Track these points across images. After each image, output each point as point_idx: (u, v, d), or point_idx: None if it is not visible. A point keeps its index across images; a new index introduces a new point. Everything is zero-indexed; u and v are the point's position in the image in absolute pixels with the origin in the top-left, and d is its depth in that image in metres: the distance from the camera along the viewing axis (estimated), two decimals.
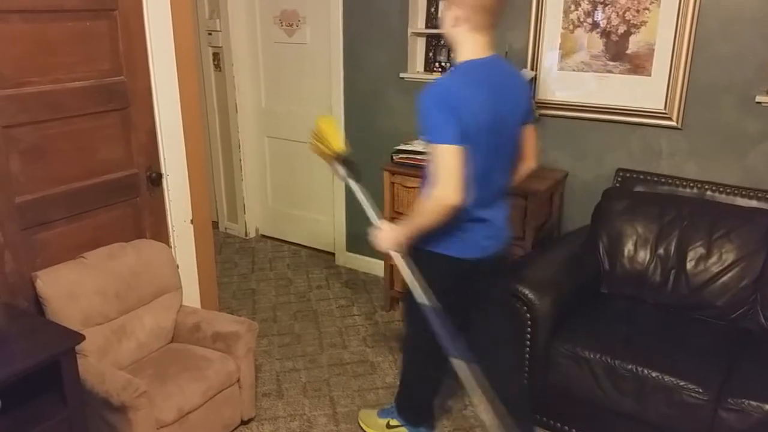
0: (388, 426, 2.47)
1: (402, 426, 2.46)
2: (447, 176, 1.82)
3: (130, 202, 2.44)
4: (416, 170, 3.09)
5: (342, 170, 2.21)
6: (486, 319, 2.22)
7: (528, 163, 2.20)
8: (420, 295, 2.00)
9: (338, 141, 2.21)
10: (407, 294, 2.14)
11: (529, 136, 2.14)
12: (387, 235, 2.04)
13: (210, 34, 4.16)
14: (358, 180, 2.19)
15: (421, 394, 2.42)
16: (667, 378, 2.11)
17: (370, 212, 2.12)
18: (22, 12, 1.99)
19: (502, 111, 1.93)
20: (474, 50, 1.92)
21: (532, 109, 2.12)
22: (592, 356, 2.25)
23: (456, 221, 1.94)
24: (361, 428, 2.55)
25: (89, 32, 2.20)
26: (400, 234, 2.00)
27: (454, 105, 1.82)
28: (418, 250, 2.05)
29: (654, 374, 2.12)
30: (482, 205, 2.00)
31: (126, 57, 2.32)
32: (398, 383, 2.49)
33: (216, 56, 4.22)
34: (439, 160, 1.83)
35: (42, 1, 2.04)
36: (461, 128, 1.82)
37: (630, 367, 2.17)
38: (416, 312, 2.05)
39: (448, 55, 3.44)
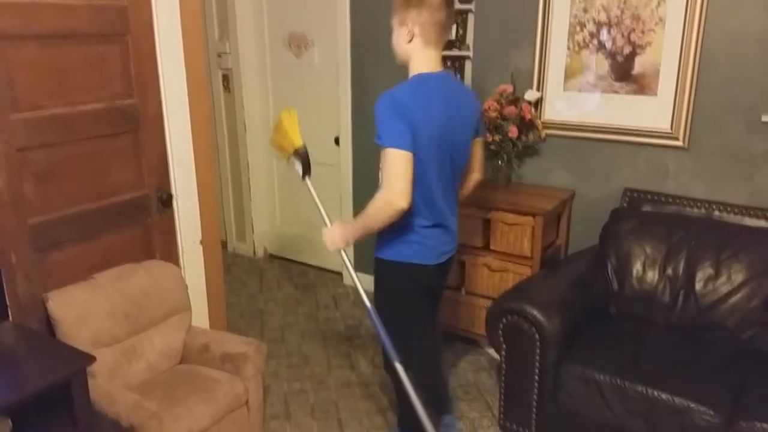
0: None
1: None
2: (396, 180, 1.91)
3: (140, 223, 2.46)
4: None
5: (299, 167, 2.26)
6: (433, 318, 2.38)
7: (475, 175, 2.32)
8: (364, 295, 2.11)
9: (298, 135, 2.26)
10: (388, 317, 2.15)
11: (477, 149, 2.27)
12: (337, 233, 2.10)
13: (220, 56, 4.22)
14: (310, 175, 2.25)
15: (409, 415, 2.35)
16: (677, 400, 2.09)
17: (322, 212, 2.20)
18: (37, 38, 2.04)
19: (454, 123, 2.04)
20: (427, 64, 2.03)
21: (481, 124, 2.27)
22: (601, 377, 2.24)
23: (417, 228, 2.07)
24: None
25: (101, 56, 2.24)
26: (349, 234, 2.08)
27: (407, 114, 1.92)
28: (383, 260, 2.14)
29: (664, 396, 2.11)
30: (440, 213, 2.10)
31: (137, 80, 2.36)
32: (398, 408, 2.45)
33: (225, 78, 4.28)
34: (389, 164, 1.92)
35: (56, 27, 2.08)
36: (414, 136, 1.92)
37: (640, 388, 2.16)
38: (402, 332, 2.13)
39: (454, 76, 3.46)
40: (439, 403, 2.44)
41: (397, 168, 1.91)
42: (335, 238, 2.11)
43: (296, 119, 2.30)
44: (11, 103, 2.00)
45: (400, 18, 2.02)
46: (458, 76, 3.46)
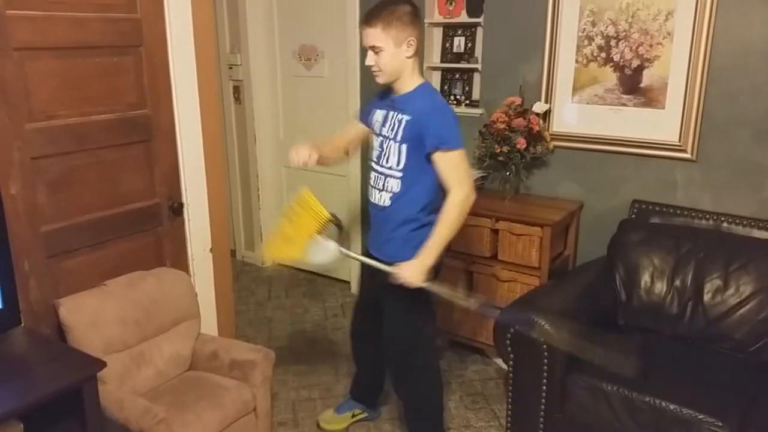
0: (353, 416, 2.74)
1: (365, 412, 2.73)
2: (468, 177, 2.11)
3: (151, 231, 2.49)
4: None
5: (334, 244, 2.23)
6: None
7: None
8: (466, 299, 2.28)
9: (321, 208, 2.24)
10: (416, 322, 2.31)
11: None
12: (413, 271, 2.11)
13: (231, 68, 4.27)
14: (347, 243, 2.26)
15: (441, 411, 2.52)
16: (685, 411, 2.09)
17: (380, 266, 2.20)
18: (52, 49, 2.08)
19: None
20: (420, 73, 2.21)
21: None
22: (609, 388, 2.23)
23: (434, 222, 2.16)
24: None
25: (115, 67, 2.28)
26: (426, 262, 2.11)
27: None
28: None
29: (672, 407, 2.11)
30: None
31: (150, 91, 2.39)
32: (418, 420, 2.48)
33: (236, 89, 4.33)
34: (460, 163, 2.09)
35: (71, 39, 2.12)
36: None
37: (648, 399, 2.15)
38: (428, 335, 2.32)
39: (463, 89, 3.50)
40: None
41: (465, 165, 2.11)
42: (417, 275, 2.10)
43: (313, 198, 2.27)
44: (27, 112, 2.03)
45: (406, 35, 2.10)
46: (467, 88, 3.50)
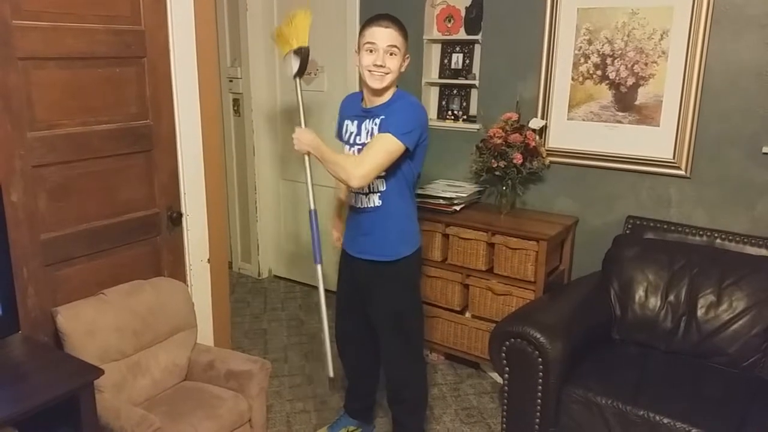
0: None
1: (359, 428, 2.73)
2: (375, 167, 2.12)
3: (150, 241, 2.50)
4: (429, 213, 3.15)
5: (296, 64, 2.40)
6: None
7: None
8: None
9: (306, 36, 2.38)
10: (407, 302, 2.42)
11: None
12: (307, 137, 2.23)
13: (231, 81, 4.31)
14: (301, 77, 2.43)
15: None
16: (678, 425, 2.10)
17: (302, 115, 2.41)
18: (56, 59, 2.10)
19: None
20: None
21: None
22: (603, 402, 2.25)
23: (413, 218, 2.37)
24: None
25: (118, 78, 2.30)
26: (315, 148, 2.20)
27: (425, 123, 2.24)
28: (408, 257, 2.33)
29: (666, 421, 2.12)
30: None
31: (152, 102, 2.42)
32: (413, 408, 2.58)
33: (236, 102, 4.36)
34: (384, 151, 2.12)
35: (76, 49, 2.15)
36: (419, 142, 2.21)
37: (641, 413, 2.17)
38: (420, 316, 2.49)
39: (460, 104, 3.54)
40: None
41: (385, 159, 2.13)
42: (303, 141, 2.23)
43: (309, 22, 2.40)
44: (29, 121, 2.05)
45: (405, 48, 2.24)
46: (464, 104, 3.54)
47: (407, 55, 2.26)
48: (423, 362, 2.63)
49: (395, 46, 2.17)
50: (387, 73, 2.19)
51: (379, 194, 2.30)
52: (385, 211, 2.31)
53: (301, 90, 2.44)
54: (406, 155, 2.20)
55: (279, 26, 2.50)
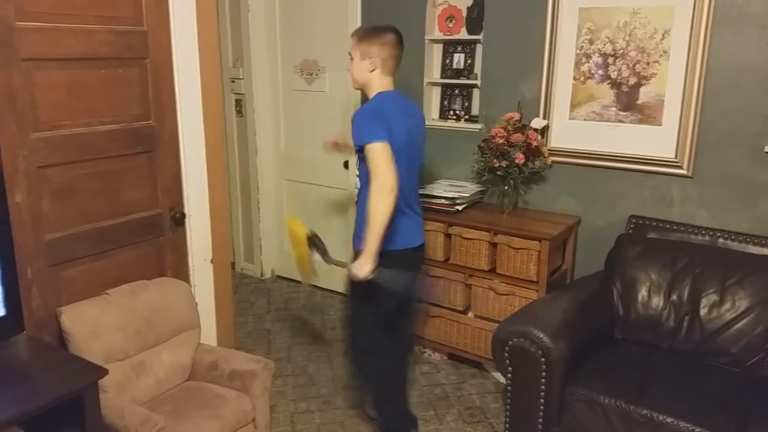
0: None
1: None
2: (385, 164, 2.22)
3: (153, 241, 2.51)
4: (431, 213, 3.16)
5: (318, 255, 2.51)
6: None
7: None
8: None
9: (301, 233, 2.51)
10: (352, 302, 2.53)
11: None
12: (362, 265, 2.29)
13: (233, 81, 4.32)
14: (327, 256, 2.50)
15: (397, 398, 2.67)
16: (682, 424, 2.10)
17: (345, 265, 2.40)
18: (60, 60, 2.11)
19: (412, 132, 2.43)
20: (380, 85, 2.43)
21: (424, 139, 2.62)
22: (606, 401, 2.25)
23: (399, 218, 2.37)
24: None
25: (121, 79, 2.31)
26: (370, 255, 2.27)
27: (385, 116, 2.30)
28: (386, 253, 2.33)
29: (669, 420, 2.12)
30: (411, 203, 2.49)
31: (155, 103, 2.43)
32: (374, 402, 2.70)
33: (238, 103, 4.37)
34: (376, 154, 2.23)
35: (79, 50, 2.16)
36: (389, 136, 2.26)
37: (644, 412, 2.17)
38: (364, 316, 2.50)
39: (462, 104, 3.54)
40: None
41: (383, 156, 2.23)
42: (365, 268, 2.29)
43: (296, 224, 2.59)
44: (33, 122, 2.06)
45: (363, 51, 2.40)
46: (466, 104, 3.54)
47: (370, 59, 2.39)
48: (374, 356, 2.59)
49: (350, 53, 2.44)
50: (350, 74, 2.46)
51: (357, 189, 2.49)
52: (360, 204, 2.44)
53: (334, 261, 2.49)
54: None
55: (294, 256, 2.66)
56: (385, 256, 2.32)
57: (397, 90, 2.48)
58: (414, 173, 2.52)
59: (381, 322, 2.51)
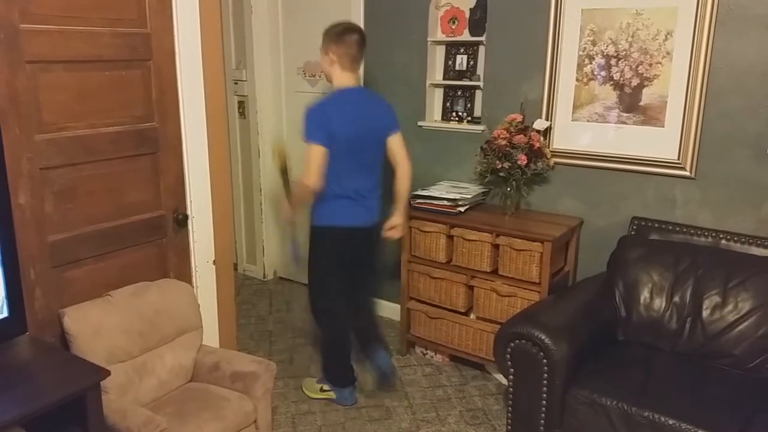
0: (321, 390, 3.05)
1: (330, 390, 3.04)
2: (311, 167, 2.64)
3: (156, 243, 2.51)
4: (433, 215, 3.16)
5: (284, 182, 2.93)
6: (362, 273, 3.01)
7: (401, 168, 2.91)
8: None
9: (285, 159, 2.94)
10: (310, 270, 2.94)
11: (397, 144, 2.88)
12: (285, 207, 2.89)
13: (236, 83, 4.33)
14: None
15: (338, 356, 3.00)
16: (684, 426, 2.10)
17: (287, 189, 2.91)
18: (64, 62, 2.12)
19: (366, 124, 2.74)
20: (344, 82, 2.76)
21: (396, 123, 2.89)
22: (608, 403, 2.25)
23: (340, 199, 2.76)
24: (304, 393, 3.10)
25: (124, 81, 2.32)
26: (292, 204, 2.86)
27: (327, 117, 2.65)
28: (313, 226, 2.83)
29: (671, 422, 2.12)
30: (355, 189, 2.78)
31: (158, 104, 2.43)
32: (320, 355, 3.11)
33: (241, 104, 4.38)
34: (308, 154, 2.65)
35: (83, 52, 2.16)
36: (328, 135, 2.63)
37: (647, 414, 2.16)
38: (319, 282, 2.92)
39: (465, 106, 3.54)
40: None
41: (313, 158, 2.64)
42: (288, 212, 2.89)
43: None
44: (37, 124, 2.07)
45: (324, 48, 2.74)
46: (468, 105, 3.54)
47: (329, 54, 2.73)
48: (321, 314, 2.99)
49: (320, 49, 2.78)
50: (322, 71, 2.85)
51: None
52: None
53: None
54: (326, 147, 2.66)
55: (277, 159, 3.02)
56: (318, 230, 2.82)
57: (358, 86, 2.87)
58: (368, 162, 2.80)
59: (322, 284, 2.93)
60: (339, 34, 2.71)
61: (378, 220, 2.89)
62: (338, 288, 2.92)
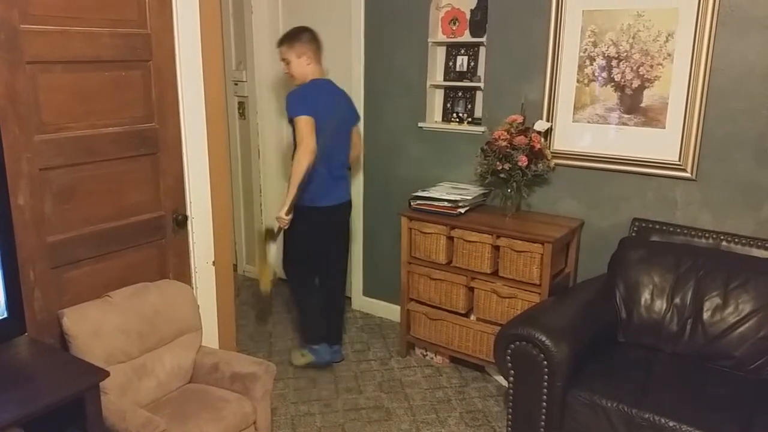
0: (302, 355, 3.35)
1: (309, 353, 3.32)
2: (307, 134, 2.92)
3: (155, 243, 2.51)
4: (433, 216, 3.16)
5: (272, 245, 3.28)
6: (338, 246, 3.35)
7: (356, 151, 3.37)
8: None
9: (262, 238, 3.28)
10: (286, 252, 3.29)
11: (356, 133, 3.32)
12: (283, 216, 3.10)
13: (236, 84, 4.33)
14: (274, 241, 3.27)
15: (310, 314, 3.35)
16: (684, 428, 2.09)
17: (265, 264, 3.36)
18: (64, 63, 2.11)
19: (338, 111, 3.10)
20: (314, 74, 3.10)
21: (357, 114, 3.34)
22: (608, 404, 2.24)
23: (319, 181, 3.04)
24: (293, 366, 3.37)
25: (124, 81, 2.32)
26: (289, 203, 3.05)
27: (312, 97, 3.00)
28: (301, 208, 3.07)
29: (671, 424, 2.11)
30: (333, 170, 3.12)
31: (158, 105, 2.43)
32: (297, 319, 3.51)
33: (241, 105, 4.38)
34: (301, 126, 2.92)
35: (83, 53, 2.16)
36: (314, 114, 2.92)
37: (647, 416, 2.16)
38: (299, 252, 3.26)
39: (465, 107, 3.54)
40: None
41: (305, 127, 2.92)
42: (285, 218, 3.10)
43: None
44: (37, 124, 2.06)
45: (297, 52, 3.06)
46: (469, 106, 3.54)
47: (303, 55, 3.07)
48: (296, 279, 3.38)
49: (283, 59, 3.12)
50: (291, 76, 3.17)
51: (292, 151, 3.07)
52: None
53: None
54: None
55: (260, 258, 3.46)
56: (308, 209, 3.08)
57: (327, 78, 3.18)
58: (345, 143, 3.17)
59: (302, 254, 3.26)
60: (296, 34, 3.07)
61: (349, 197, 3.31)
62: (316, 262, 3.27)
